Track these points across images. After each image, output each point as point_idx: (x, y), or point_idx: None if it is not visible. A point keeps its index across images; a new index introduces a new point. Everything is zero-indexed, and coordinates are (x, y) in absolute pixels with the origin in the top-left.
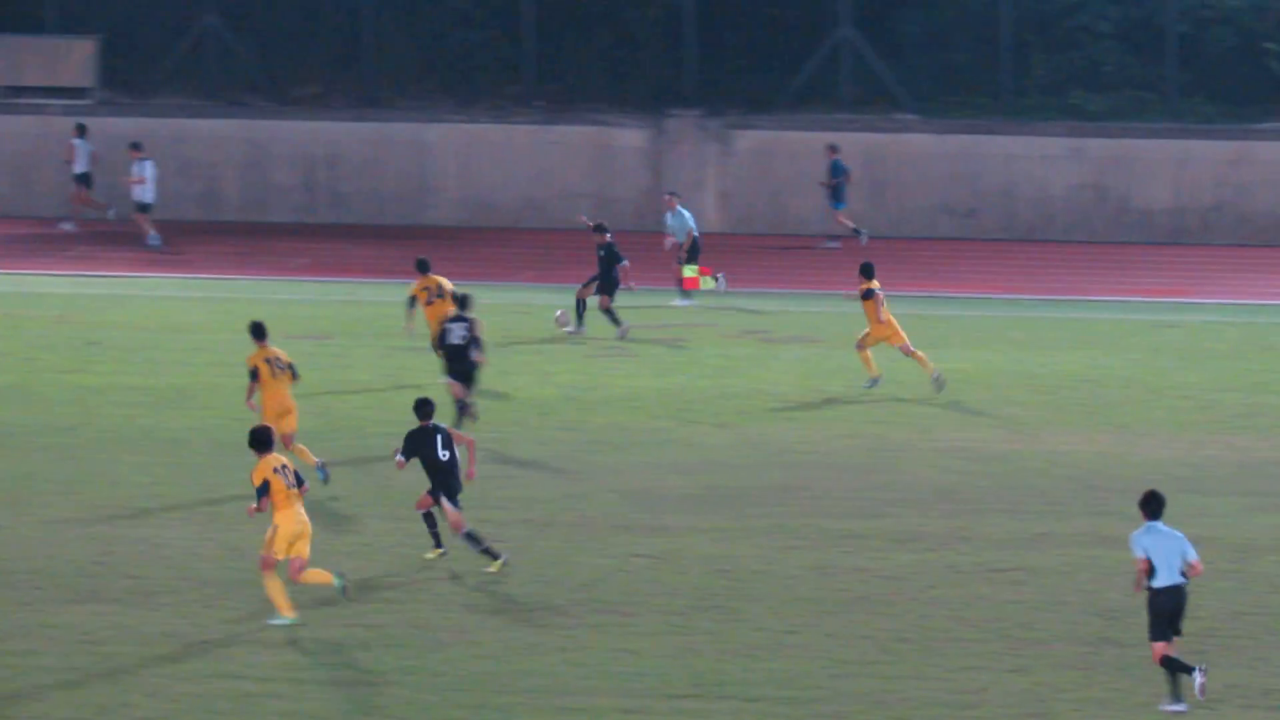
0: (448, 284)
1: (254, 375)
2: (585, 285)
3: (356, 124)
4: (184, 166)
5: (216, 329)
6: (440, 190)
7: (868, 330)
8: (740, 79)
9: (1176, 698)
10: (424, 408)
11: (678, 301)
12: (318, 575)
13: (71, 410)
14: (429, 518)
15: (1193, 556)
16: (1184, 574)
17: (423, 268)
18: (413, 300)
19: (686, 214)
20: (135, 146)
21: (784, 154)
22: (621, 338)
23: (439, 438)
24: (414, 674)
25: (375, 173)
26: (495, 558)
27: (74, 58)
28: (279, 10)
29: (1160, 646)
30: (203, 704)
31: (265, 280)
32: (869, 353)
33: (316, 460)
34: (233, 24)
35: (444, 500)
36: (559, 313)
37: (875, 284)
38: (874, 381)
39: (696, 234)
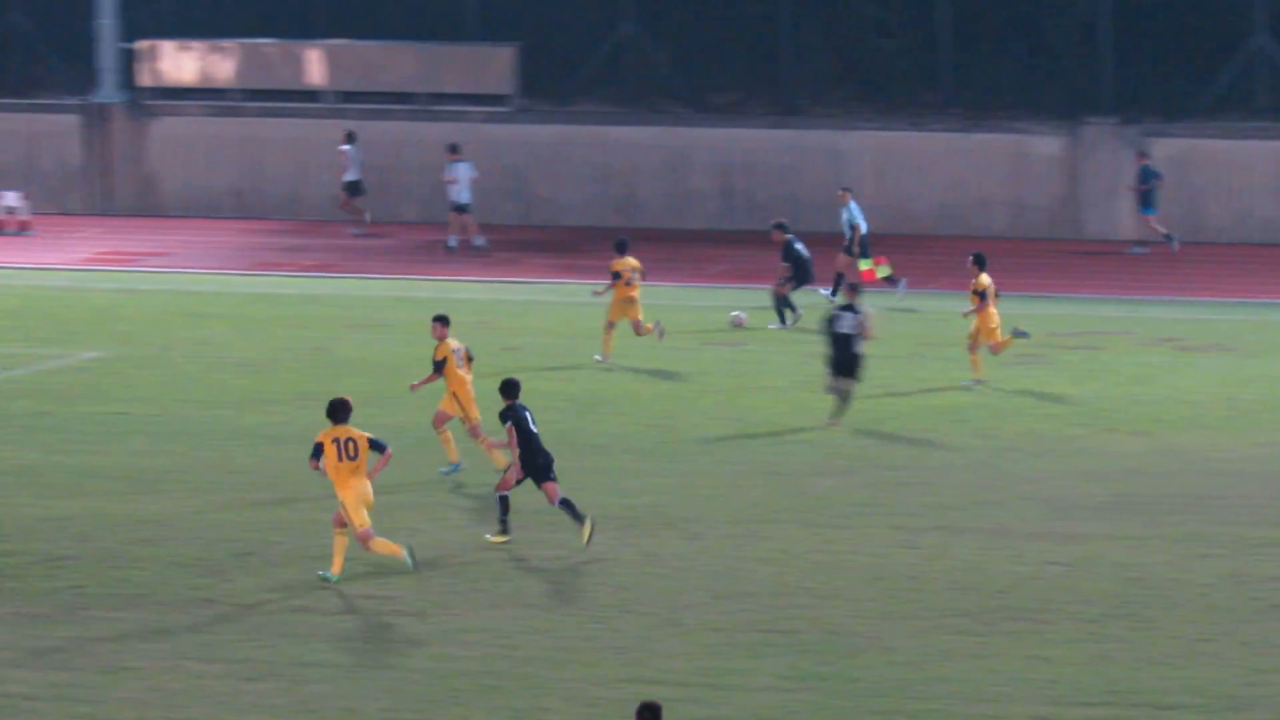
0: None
1: (439, 367)
2: (780, 284)
3: (773, 131)
4: (603, 173)
5: (632, 335)
6: (856, 198)
7: (977, 328)
8: (1156, 87)
9: None
10: (510, 388)
11: (823, 292)
12: (386, 546)
13: (490, 417)
14: (504, 502)
15: None
16: None
17: (621, 248)
18: (617, 275)
19: (856, 209)
20: (452, 149)
21: (1200, 162)
22: (786, 327)
23: (528, 413)
24: (828, 680)
25: (791, 180)
26: (581, 520)
27: (494, 65)
28: (697, 18)
29: None
30: (620, 710)
31: (683, 286)
32: (996, 351)
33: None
34: (651, 32)
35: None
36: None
37: (985, 279)
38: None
39: (865, 229)
